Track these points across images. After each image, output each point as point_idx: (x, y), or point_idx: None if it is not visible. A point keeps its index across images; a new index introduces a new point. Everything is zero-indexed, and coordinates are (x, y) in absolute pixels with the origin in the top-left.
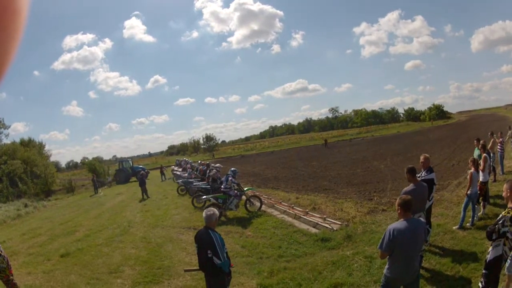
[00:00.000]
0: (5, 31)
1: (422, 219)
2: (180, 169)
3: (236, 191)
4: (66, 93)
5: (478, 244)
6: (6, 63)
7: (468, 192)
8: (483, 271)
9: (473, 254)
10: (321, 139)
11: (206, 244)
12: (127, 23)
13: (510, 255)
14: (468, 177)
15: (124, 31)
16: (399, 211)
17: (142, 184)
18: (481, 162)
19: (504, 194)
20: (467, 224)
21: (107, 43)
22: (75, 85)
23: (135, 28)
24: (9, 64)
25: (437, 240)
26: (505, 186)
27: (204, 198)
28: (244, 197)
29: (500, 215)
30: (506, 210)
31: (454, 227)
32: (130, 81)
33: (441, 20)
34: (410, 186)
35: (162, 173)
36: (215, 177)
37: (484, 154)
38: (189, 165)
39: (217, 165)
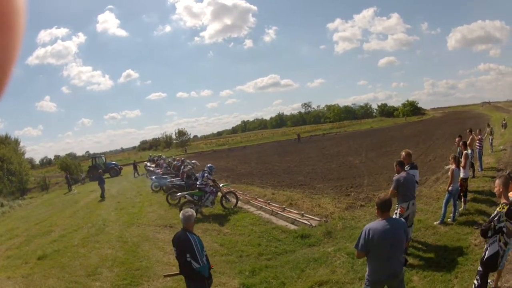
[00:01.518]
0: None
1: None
2: (153, 165)
3: (211, 188)
4: (39, 88)
5: (461, 239)
6: (7, 71)
7: (450, 188)
8: (479, 269)
9: (457, 249)
10: (294, 134)
11: (185, 247)
12: (101, 17)
13: (505, 250)
14: (449, 173)
15: (98, 25)
16: (377, 211)
17: (101, 182)
18: (462, 159)
19: (496, 190)
20: (448, 219)
21: (81, 37)
22: (49, 80)
23: (108, 22)
24: (11, 74)
25: (419, 235)
26: (497, 181)
27: (179, 195)
28: (219, 194)
29: (496, 211)
30: (501, 205)
31: (435, 223)
32: (102, 76)
33: (418, 18)
34: (402, 173)
35: (135, 169)
36: (189, 173)
37: (465, 151)
38: (162, 161)
39: (193, 161)
